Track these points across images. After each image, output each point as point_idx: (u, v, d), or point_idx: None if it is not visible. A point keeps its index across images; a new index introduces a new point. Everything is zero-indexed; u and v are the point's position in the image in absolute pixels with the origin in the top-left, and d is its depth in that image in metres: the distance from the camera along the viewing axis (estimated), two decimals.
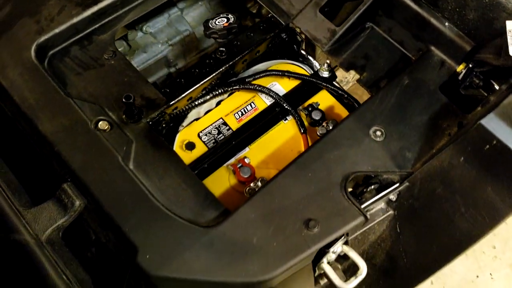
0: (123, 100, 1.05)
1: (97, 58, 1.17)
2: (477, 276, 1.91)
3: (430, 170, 0.98)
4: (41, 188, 1.05)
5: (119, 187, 0.98)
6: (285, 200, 0.97)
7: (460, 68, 1.07)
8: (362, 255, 1.00)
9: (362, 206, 0.98)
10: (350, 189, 1.01)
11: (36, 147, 1.05)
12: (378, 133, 1.05)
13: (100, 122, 1.06)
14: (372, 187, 1.00)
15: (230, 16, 1.32)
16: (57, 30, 1.14)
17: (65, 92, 1.09)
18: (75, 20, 1.16)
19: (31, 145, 1.07)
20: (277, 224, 0.94)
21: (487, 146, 0.88)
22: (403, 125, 1.06)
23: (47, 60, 1.14)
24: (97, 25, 1.20)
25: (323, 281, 1.07)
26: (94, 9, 1.18)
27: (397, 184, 1.02)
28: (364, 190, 1.01)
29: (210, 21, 1.33)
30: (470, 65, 1.03)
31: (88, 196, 0.97)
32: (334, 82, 1.30)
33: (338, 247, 0.96)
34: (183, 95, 1.17)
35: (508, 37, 0.96)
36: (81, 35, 1.18)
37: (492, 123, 0.87)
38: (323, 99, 1.29)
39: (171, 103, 1.15)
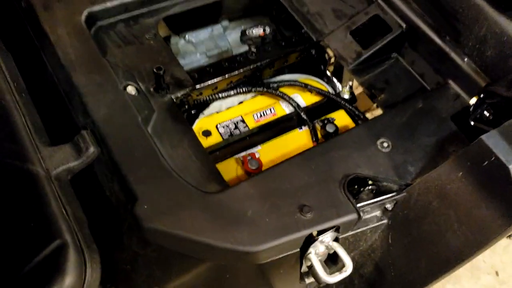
0: (154, 70, 1.13)
1: (139, 36, 1.27)
2: None
3: (428, 182, 1.01)
4: (63, 135, 1.12)
5: (134, 143, 1.04)
6: (285, 184, 1.01)
7: (473, 100, 1.12)
8: None
9: (357, 205, 1.00)
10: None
11: (67, 98, 1.13)
12: (385, 144, 1.09)
13: (129, 87, 1.14)
14: (370, 187, 1.03)
15: (267, 27, 1.42)
16: (109, 5, 1.26)
17: (104, 56, 1.18)
18: (126, 0, 1.27)
19: (62, 97, 1.14)
20: (273, 202, 0.97)
21: (486, 162, 0.91)
22: (410, 142, 1.10)
23: (94, 29, 1.24)
24: (145, 10, 1.31)
25: (309, 280, 1.08)
26: None
27: (395, 193, 1.05)
28: (361, 189, 1.04)
29: (248, 30, 1.44)
30: (482, 96, 1.08)
31: (104, 147, 1.03)
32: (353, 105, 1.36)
33: (327, 238, 0.98)
34: (209, 82, 1.24)
35: None
36: (129, 15, 1.29)
37: (492, 139, 0.90)
38: (340, 118, 1.34)
39: (197, 86, 1.23)
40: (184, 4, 1.36)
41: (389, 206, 1.06)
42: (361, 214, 0.99)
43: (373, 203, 1.03)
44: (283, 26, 1.48)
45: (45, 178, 0.98)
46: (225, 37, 1.68)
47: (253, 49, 1.33)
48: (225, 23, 1.66)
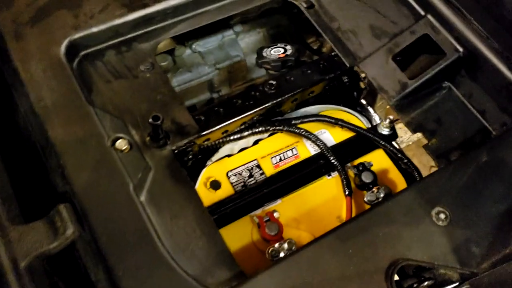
0: (150, 120, 0.90)
1: (132, 67, 1.04)
2: None
3: (501, 277, 0.78)
4: (38, 201, 0.91)
5: (123, 221, 0.83)
6: (316, 277, 0.79)
7: None
8: None
9: None
10: (396, 278, 0.82)
11: (42, 154, 0.91)
12: (442, 215, 0.86)
13: (119, 140, 0.91)
14: (426, 284, 0.81)
15: (288, 47, 1.17)
16: (95, 29, 1.02)
17: (87, 99, 0.95)
18: (117, 21, 1.04)
19: (37, 151, 0.93)
20: None
21: None
22: (473, 212, 0.86)
23: (77, 60, 1.01)
24: (141, 32, 1.07)
25: None
26: (141, 13, 1.05)
27: (456, 284, 0.82)
28: (415, 286, 0.81)
29: (265, 49, 1.19)
30: None
31: (86, 225, 0.82)
32: (394, 142, 1.12)
33: None
34: (218, 127, 1.01)
35: None
36: (120, 39, 1.05)
37: None
38: (378, 159, 1.11)
39: (203, 133, 1.00)
40: (187, 23, 1.11)
41: None
42: None
43: None
44: (307, 46, 1.23)
45: (12, 271, 0.77)
46: (237, 45, 1.44)
47: (272, 81, 1.08)
48: (237, 28, 1.42)
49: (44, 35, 1.00)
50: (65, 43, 0.99)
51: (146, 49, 1.07)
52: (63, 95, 0.94)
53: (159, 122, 0.90)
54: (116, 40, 1.05)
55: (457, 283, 0.82)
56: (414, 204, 0.87)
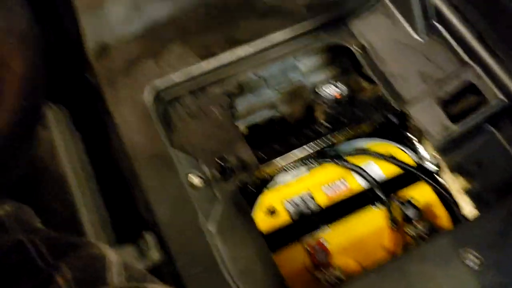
0: (218, 159, 1.07)
1: (205, 108, 1.21)
2: None
3: None
4: (126, 225, 1.11)
5: (195, 249, 1.00)
6: None
7: None
8: None
9: None
10: None
11: (129, 186, 1.10)
12: (475, 260, 0.95)
13: (193, 177, 1.09)
14: None
15: (343, 88, 1.29)
16: (175, 78, 1.20)
17: (168, 139, 1.13)
18: (194, 71, 1.21)
19: (125, 182, 1.12)
20: None
21: None
22: (508, 258, 0.95)
23: (159, 104, 1.19)
24: (215, 79, 1.23)
25: None
26: (215, 64, 1.21)
27: None
28: None
29: (321, 88, 1.32)
30: None
31: (166, 253, 1.00)
32: (439, 178, 1.22)
33: None
34: (276, 163, 1.17)
35: None
36: (196, 85, 1.22)
37: None
38: (423, 194, 1.21)
39: (262, 168, 1.15)
40: (253, 70, 1.26)
41: None
42: None
43: None
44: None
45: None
46: (298, 70, 1.57)
47: (326, 124, 1.21)
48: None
49: (133, 83, 1.19)
50: (150, 90, 1.18)
51: (217, 92, 1.24)
52: (148, 136, 1.12)
53: (225, 162, 1.07)
54: (193, 86, 1.22)
55: None
56: (450, 246, 0.97)
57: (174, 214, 1.03)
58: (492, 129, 1.15)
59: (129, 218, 1.12)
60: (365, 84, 1.32)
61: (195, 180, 1.09)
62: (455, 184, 1.14)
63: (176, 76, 1.20)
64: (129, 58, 1.21)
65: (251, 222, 1.07)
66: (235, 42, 1.25)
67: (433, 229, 1.13)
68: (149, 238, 1.01)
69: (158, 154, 1.10)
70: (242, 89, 1.45)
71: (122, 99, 1.17)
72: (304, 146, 1.20)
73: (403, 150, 1.28)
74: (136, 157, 1.09)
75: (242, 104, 1.46)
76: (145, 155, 1.10)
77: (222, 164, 1.06)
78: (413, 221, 1.15)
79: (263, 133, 1.33)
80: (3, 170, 0.65)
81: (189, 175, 1.09)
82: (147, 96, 1.17)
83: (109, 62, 1.21)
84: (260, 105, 1.50)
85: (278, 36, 1.29)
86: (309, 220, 1.19)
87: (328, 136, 1.21)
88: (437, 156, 1.22)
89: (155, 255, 0.99)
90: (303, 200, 1.22)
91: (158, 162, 1.09)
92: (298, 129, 1.26)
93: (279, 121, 1.39)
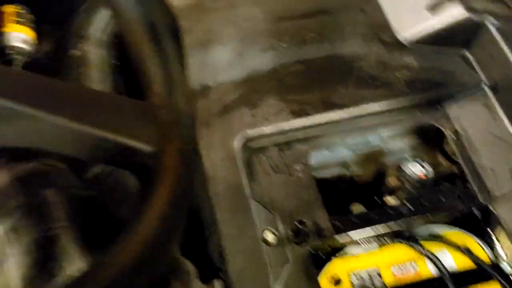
0: (296, 222, 1.08)
1: (289, 166, 1.23)
2: None
3: None
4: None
5: None
6: None
7: None
8: None
9: None
10: None
11: (208, 231, 1.13)
12: None
13: (268, 234, 1.11)
14: None
15: (429, 170, 1.28)
16: (266, 130, 1.23)
17: (250, 190, 1.16)
18: (286, 126, 1.23)
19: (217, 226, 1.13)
20: None
21: None
22: None
23: (247, 153, 1.22)
24: (302, 136, 1.25)
25: None
26: (307, 122, 1.24)
27: None
28: None
29: (407, 165, 1.31)
30: None
31: None
32: None
33: None
34: (351, 236, 1.16)
35: None
36: (285, 140, 1.25)
37: None
38: None
39: (337, 238, 1.15)
40: (341, 136, 1.28)
41: None
42: None
43: None
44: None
45: None
46: (378, 135, 1.57)
47: (408, 204, 1.20)
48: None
49: (226, 127, 1.23)
50: (241, 138, 1.21)
51: (303, 150, 1.26)
52: (232, 183, 1.15)
53: (303, 225, 1.08)
54: (281, 141, 1.25)
55: None
56: None
57: (246, 267, 1.05)
58: None
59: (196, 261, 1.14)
60: (452, 168, 1.30)
61: (270, 236, 1.10)
62: None
63: (268, 129, 1.23)
64: (226, 103, 1.25)
65: None
66: (330, 105, 1.27)
67: None
68: (219, 285, 1.03)
69: (239, 203, 1.13)
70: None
71: (214, 142, 1.20)
72: (382, 224, 1.19)
73: (480, 245, 1.25)
74: (218, 203, 1.12)
75: (316, 157, 1.48)
76: (227, 202, 1.13)
77: (300, 227, 1.07)
78: None
79: (329, 188, 1.33)
80: None
81: (265, 230, 1.11)
82: (237, 144, 1.20)
83: (208, 103, 1.25)
84: (334, 162, 1.51)
85: (373, 106, 1.30)
86: None
87: (408, 218, 1.19)
88: None
89: None
90: (369, 276, 1.20)
91: (238, 211, 1.11)
92: (365, 190, 1.25)
93: (348, 180, 1.39)
